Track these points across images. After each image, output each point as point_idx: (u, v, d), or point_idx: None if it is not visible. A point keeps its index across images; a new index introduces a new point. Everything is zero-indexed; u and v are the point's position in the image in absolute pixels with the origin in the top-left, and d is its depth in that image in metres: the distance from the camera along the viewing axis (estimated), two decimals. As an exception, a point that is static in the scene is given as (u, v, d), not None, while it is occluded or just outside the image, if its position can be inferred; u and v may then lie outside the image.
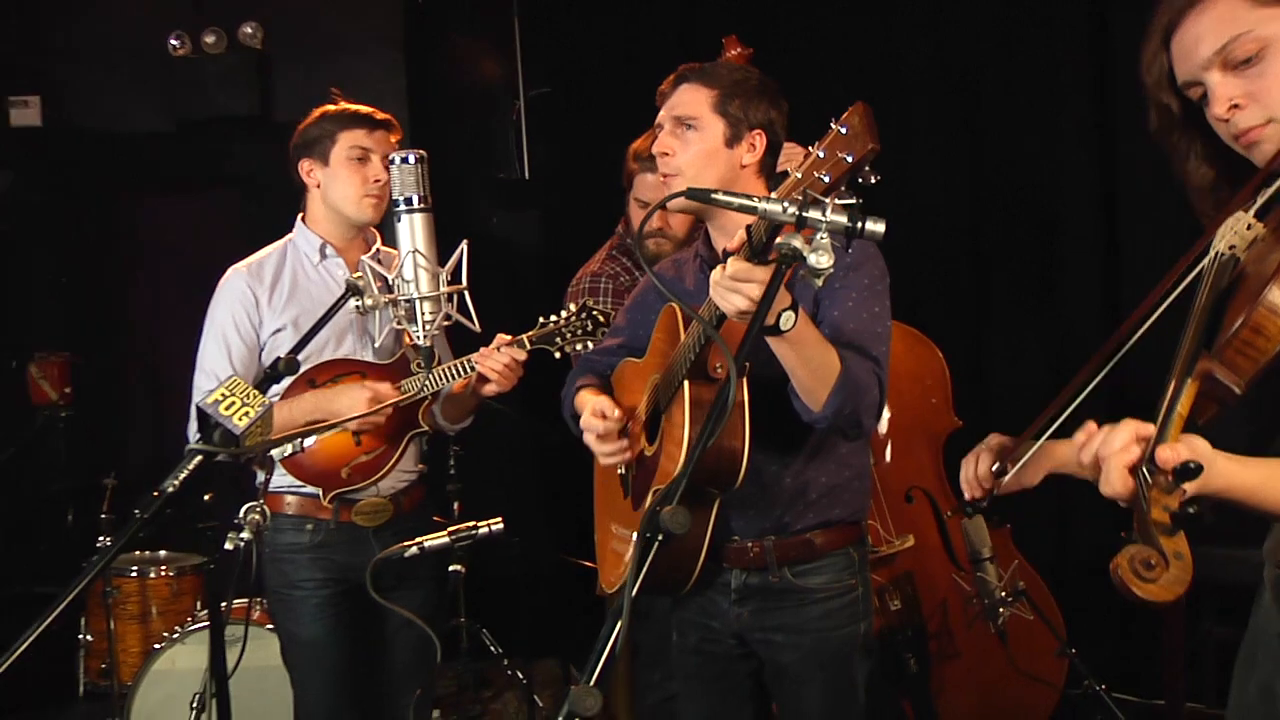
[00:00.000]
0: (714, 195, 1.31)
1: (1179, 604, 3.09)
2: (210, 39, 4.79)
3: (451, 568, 2.31)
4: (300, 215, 2.77)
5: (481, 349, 2.49)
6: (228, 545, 1.95)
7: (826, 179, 1.48)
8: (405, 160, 1.83)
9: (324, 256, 2.70)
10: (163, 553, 4.05)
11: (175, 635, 3.35)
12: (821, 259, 1.26)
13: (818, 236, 1.27)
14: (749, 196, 1.31)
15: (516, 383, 2.51)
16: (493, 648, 4.36)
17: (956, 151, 4.07)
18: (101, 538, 3.62)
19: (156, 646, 3.36)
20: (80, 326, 4.96)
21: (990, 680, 2.82)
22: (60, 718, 3.94)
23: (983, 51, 4.04)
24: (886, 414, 3.01)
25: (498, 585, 4.42)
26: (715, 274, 1.70)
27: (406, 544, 2.26)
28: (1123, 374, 1.46)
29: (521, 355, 2.48)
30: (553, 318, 2.54)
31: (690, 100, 2.09)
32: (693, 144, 2.07)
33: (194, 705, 2.50)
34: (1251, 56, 1.30)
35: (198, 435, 1.50)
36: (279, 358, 1.82)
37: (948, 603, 2.89)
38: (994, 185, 4.04)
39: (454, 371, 2.52)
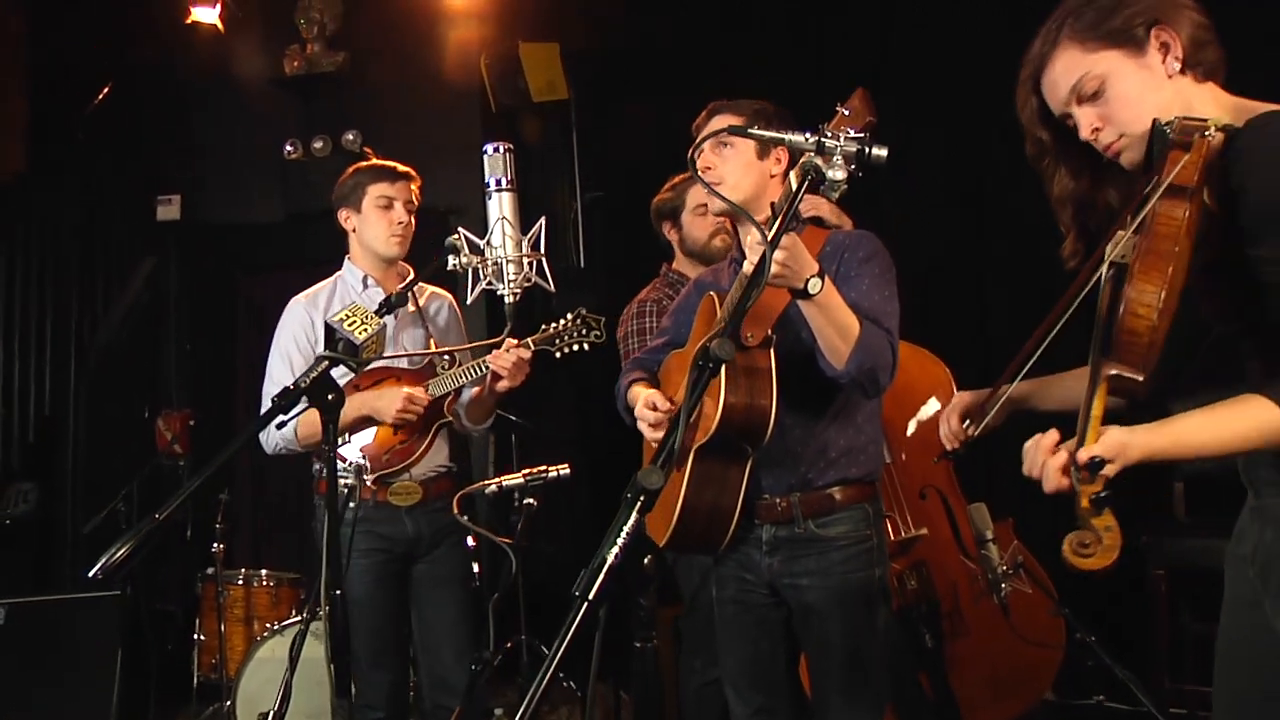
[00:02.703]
0: (750, 131, 1.44)
1: (1163, 600, 3.10)
2: (318, 144, 5.09)
3: (526, 500, 2.38)
4: (346, 255, 2.96)
5: (494, 351, 2.60)
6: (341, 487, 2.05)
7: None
8: (496, 150, 2.00)
9: (366, 286, 2.87)
10: (264, 571, 4.14)
11: (276, 628, 3.42)
12: (837, 173, 1.38)
13: (834, 159, 1.40)
14: (779, 130, 1.45)
15: (524, 380, 2.61)
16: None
17: (967, 206, 4.24)
18: (216, 545, 3.71)
19: (259, 638, 3.43)
20: (200, 386, 5.17)
21: (998, 653, 2.80)
22: (178, 710, 3.99)
23: (989, 119, 4.18)
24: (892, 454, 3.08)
25: (557, 607, 4.44)
26: (748, 238, 1.83)
27: (487, 481, 2.34)
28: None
29: (527, 354, 2.57)
30: (553, 324, 2.65)
31: (724, 125, 2.24)
32: (730, 158, 2.20)
33: (302, 623, 2.53)
34: (1096, 90, 1.47)
35: (324, 353, 1.63)
36: (391, 295, 1.96)
37: (958, 586, 2.89)
38: (997, 234, 4.19)
39: (471, 371, 2.64)
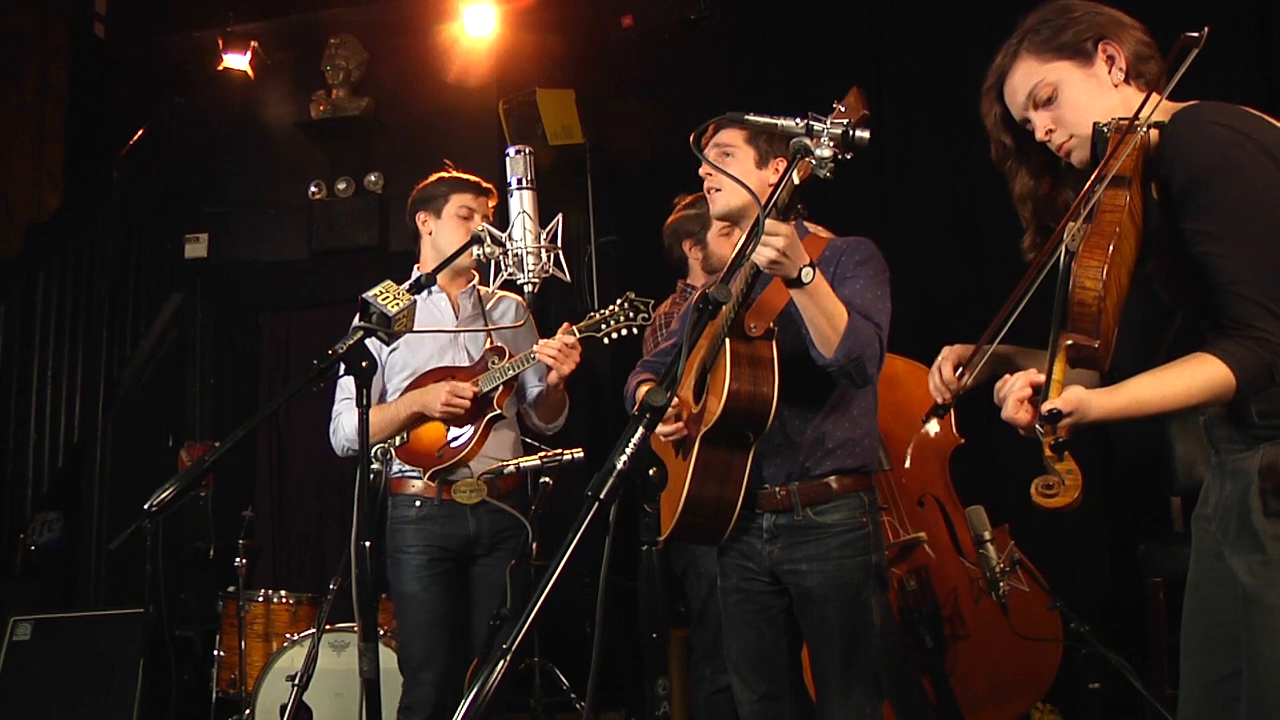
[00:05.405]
0: (746, 118, 1.61)
1: (1160, 608, 3.18)
2: (342, 185, 5.32)
3: (542, 479, 2.51)
4: (416, 265, 3.04)
5: (541, 340, 2.71)
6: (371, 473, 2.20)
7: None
8: (519, 152, 2.18)
9: (431, 292, 2.97)
10: (284, 591, 4.26)
11: (295, 639, 3.53)
12: (824, 151, 1.55)
13: (822, 139, 1.57)
14: (772, 117, 1.62)
15: (575, 366, 2.69)
16: (564, 682, 4.41)
17: (966, 219, 4.37)
18: (239, 560, 3.84)
19: (279, 648, 3.54)
20: (222, 418, 5.34)
21: (998, 655, 2.90)
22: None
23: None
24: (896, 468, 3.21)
25: (573, 632, 4.53)
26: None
27: (505, 462, 2.47)
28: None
29: (573, 340, 2.66)
30: (600, 311, 2.75)
31: (728, 136, 2.39)
32: (731, 166, 2.35)
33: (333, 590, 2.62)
34: (1050, 96, 1.66)
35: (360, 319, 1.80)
36: (421, 275, 2.12)
37: (958, 590, 2.99)
38: (993, 259, 4.31)
39: (519, 363, 2.74)
